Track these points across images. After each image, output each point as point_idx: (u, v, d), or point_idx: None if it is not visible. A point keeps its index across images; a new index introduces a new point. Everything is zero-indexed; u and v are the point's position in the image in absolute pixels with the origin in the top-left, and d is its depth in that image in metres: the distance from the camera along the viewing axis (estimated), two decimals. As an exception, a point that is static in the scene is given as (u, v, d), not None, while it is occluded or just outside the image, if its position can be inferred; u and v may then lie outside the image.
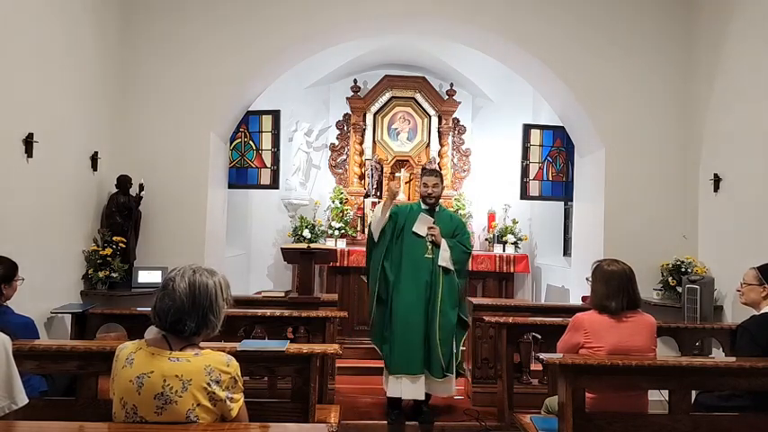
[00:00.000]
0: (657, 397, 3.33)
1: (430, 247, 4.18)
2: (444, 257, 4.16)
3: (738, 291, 3.31)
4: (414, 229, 4.19)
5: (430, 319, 4.08)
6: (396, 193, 4.10)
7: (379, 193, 7.26)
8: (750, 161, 4.36)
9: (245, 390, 1.95)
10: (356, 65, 7.17)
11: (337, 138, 7.46)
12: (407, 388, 4.06)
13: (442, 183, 4.50)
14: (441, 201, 4.51)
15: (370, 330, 4.36)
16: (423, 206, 4.31)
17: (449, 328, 4.12)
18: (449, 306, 4.13)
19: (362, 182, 7.29)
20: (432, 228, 4.17)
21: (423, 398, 4.13)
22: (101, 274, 4.45)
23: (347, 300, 6.21)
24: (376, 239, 4.27)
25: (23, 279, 3.12)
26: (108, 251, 4.50)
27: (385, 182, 7.32)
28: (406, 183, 7.34)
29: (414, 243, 4.18)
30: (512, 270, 6.65)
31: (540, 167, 6.27)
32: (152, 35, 5.01)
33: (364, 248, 6.35)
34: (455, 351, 4.20)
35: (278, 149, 6.18)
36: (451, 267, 4.18)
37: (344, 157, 7.44)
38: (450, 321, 4.12)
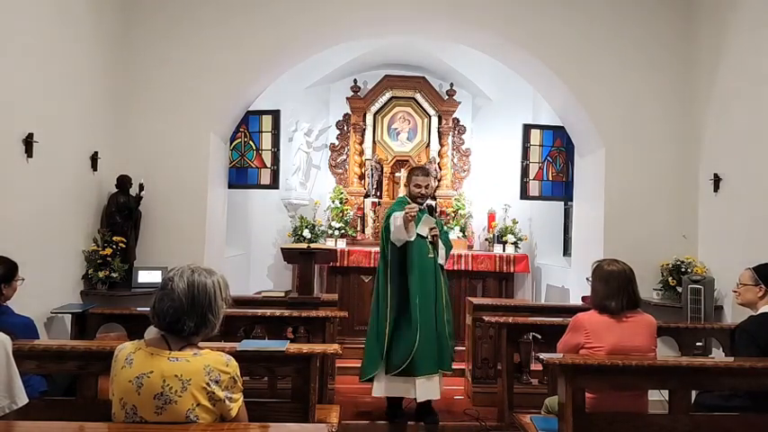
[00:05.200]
0: (657, 397, 3.34)
1: (431, 247, 4.21)
2: (442, 256, 4.29)
3: (735, 291, 3.31)
4: (417, 230, 4.18)
5: (439, 317, 4.16)
6: (413, 217, 4.02)
7: (379, 193, 7.26)
8: (750, 161, 4.36)
9: (245, 390, 1.95)
10: (356, 65, 7.17)
11: (337, 138, 7.46)
12: (422, 389, 4.06)
13: (432, 181, 4.61)
14: (431, 199, 4.58)
15: (370, 338, 4.27)
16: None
17: (451, 322, 4.30)
18: (448, 301, 4.31)
19: (362, 182, 7.29)
20: (433, 228, 4.19)
21: (438, 397, 4.18)
22: (101, 274, 4.45)
23: (347, 300, 6.20)
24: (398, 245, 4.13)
25: (23, 279, 3.12)
26: (108, 251, 4.50)
27: (385, 182, 7.32)
28: (405, 185, 7.33)
29: (419, 244, 4.18)
30: (512, 270, 6.65)
31: (540, 167, 6.27)
32: (152, 35, 5.01)
33: (364, 248, 6.46)
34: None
35: (278, 149, 6.18)
36: (444, 265, 4.34)
37: (344, 157, 7.43)
38: (451, 315, 4.30)
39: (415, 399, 4.11)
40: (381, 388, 4.14)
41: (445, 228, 4.64)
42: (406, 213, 3.98)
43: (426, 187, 4.28)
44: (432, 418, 4.21)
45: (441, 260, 4.27)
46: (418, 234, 4.18)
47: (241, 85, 5.16)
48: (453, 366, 4.36)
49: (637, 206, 5.11)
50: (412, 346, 4.02)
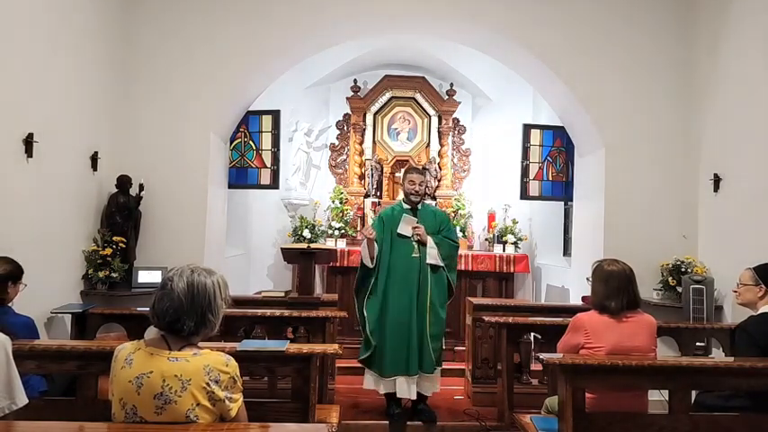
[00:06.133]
0: (657, 397, 3.34)
1: (416, 246, 4.19)
2: (432, 255, 4.19)
3: (735, 291, 3.31)
4: (398, 230, 4.19)
5: (421, 317, 4.12)
6: (371, 237, 4.17)
7: (379, 193, 7.26)
8: (750, 161, 4.36)
9: (245, 390, 1.95)
10: (356, 65, 7.17)
11: (337, 138, 7.46)
12: (401, 387, 4.09)
13: (426, 181, 4.57)
14: (431, 199, 4.52)
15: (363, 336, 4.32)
16: (405, 205, 4.32)
17: (439, 323, 4.19)
18: (438, 303, 4.19)
19: (362, 182, 7.29)
20: (416, 227, 4.18)
21: (414, 397, 4.16)
22: (101, 274, 4.45)
23: (347, 300, 6.17)
24: (372, 266, 4.25)
25: (26, 285, 3.13)
26: (108, 251, 4.50)
27: (385, 182, 7.33)
28: (400, 183, 7.35)
29: (400, 244, 4.19)
30: (512, 270, 6.64)
31: (540, 167, 6.27)
32: (153, 35, 5.01)
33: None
34: (442, 346, 4.30)
35: (278, 149, 6.18)
36: (441, 263, 4.22)
37: (344, 157, 7.44)
38: (439, 317, 4.19)
39: (395, 393, 4.12)
40: (367, 380, 4.22)
41: (451, 224, 4.57)
42: (366, 237, 4.16)
43: (420, 184, 4.28)
44: (425, 416, 4.20)
45: (430, 260, 4.16)
46: (400, 234, 4.18)
47: (241, 85, 5.17)
48: (453, 367, 4.35)
49: (637, 206, 5.10)
50: (387, 347, 4.07)
